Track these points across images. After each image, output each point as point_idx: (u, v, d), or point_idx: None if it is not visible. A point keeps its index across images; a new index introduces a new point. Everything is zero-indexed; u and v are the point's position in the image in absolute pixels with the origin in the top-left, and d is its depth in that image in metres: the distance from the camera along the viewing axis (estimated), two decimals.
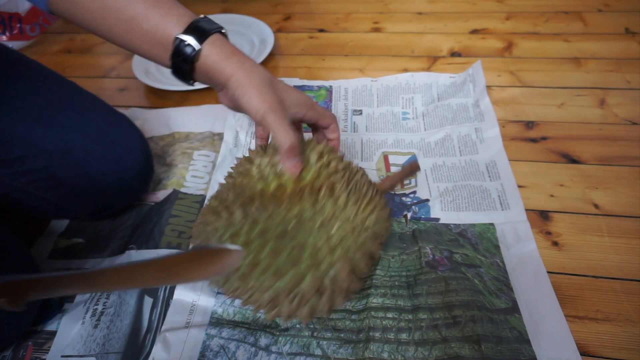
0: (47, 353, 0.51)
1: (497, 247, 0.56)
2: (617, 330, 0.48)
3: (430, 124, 0.75)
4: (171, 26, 0.42)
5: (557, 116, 0.74)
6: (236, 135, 0.75)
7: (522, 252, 0.56)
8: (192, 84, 0.46)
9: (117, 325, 0.53)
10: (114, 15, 0.43)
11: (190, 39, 0.41)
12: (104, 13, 0.43)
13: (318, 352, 0.48)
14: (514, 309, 0.50)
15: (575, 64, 0.84)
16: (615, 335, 0.47)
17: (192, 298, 0.53)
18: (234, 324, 0.51)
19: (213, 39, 0.42)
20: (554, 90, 0.78)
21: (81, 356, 0.50)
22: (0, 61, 0.57)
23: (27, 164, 0.55)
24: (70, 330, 0.52)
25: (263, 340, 0.49)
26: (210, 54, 0.42)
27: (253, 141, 0.74)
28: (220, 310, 0.52)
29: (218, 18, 1.03)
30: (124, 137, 0.62)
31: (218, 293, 0.54)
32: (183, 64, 0.43)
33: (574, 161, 0.66)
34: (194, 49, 0.42)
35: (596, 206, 0.60)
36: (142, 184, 0.65)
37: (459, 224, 0.59)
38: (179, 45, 0.42)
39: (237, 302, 0.53)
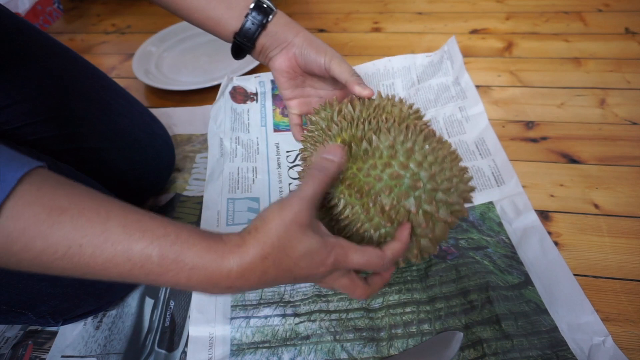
0: (47, 353, 0.51)
1: (500, 224, 0.57)
2: (617, 330, 0.48)
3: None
4: None
5: (557, 116, 0.74)
6: (220, 142, 0.69)
7: (525, 225, 0.56)
8: (249, 47, 0.54)
9: (118, 326, 0.53)
10: None
11: (267, 2, 0.52)
12: None
13: (344, 355, 0.47)
14: (527, 281, 0.51)
15: (575, 64, 0.84)
16: (615, 335, 0.47)
17: (208, 331, 0.51)
18: (254, 347, 0.49)
19: (279, 11, 0.54)
20: (554, 90, 0.78)
21: (82, 357, 0.50)
22: (59, 45, 0.62)
23: (76, 141, 0.57)
24: (72, 331, 0.53)
25: (286, 355, 0.48)
26: (281, 16, 0.54)
27: (239, 147, 0.69)
28: (238, 335, 0.50)
29: None
30: (161, 131, 0.67)
31: (232, 319, 0.51)
32: (256, 19, 0.52)
33: (574, 161, 0.66)
34: (271, 9, 0.53)
35: (596, 206, 0.60)
36: (167, 178, 0.68)
37: None
38: (257, 4, 0.52)
39: (253, 322, 0.51)
